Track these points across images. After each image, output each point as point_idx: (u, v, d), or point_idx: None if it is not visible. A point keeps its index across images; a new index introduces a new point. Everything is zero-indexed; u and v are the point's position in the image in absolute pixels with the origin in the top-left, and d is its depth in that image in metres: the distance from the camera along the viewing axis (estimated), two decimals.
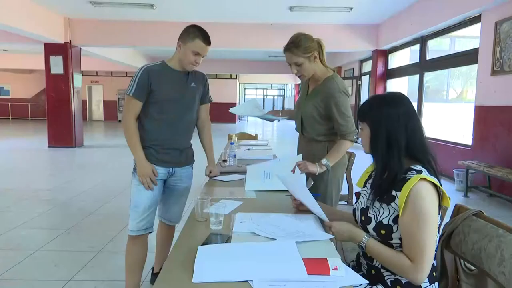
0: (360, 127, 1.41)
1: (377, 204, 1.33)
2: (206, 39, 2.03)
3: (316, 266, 1.13)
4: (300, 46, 1.99)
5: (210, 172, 2.40)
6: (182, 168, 2.24)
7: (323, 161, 2.00)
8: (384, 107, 1.30)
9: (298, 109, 2.24)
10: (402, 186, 1.22)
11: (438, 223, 1.26)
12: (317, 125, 2.12)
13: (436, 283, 1.33)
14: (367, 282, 1.23)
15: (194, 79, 2.18)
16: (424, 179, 1.21)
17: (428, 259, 1.19)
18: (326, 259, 1.17)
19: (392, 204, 1.27)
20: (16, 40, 8.87)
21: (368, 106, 1.36)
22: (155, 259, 2.51)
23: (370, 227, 1.33)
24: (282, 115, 2.52)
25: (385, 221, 1.28)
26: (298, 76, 2.11)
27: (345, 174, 2.35)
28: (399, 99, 1.32)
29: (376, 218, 1.31)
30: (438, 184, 1.22)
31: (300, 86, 2.46)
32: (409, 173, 1.26)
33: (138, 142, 2.06)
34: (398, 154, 1.27)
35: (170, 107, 2.09)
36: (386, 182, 1.29)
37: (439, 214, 1.25)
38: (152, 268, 2.56)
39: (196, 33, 2.00)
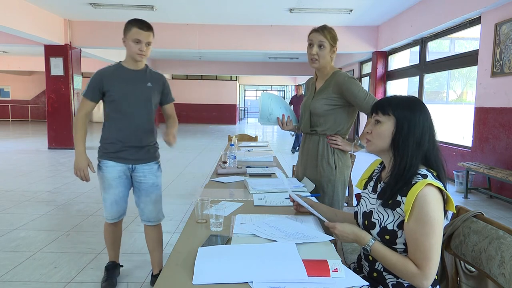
0: (376, 119, 1.33)
1: (381, 209, 1.31)
2: (142, 25, 2.13)
3: (316, 267, 1.12)
4: (331, 32, 2.08)
5: (167, 136, 2.22)
6: (144, 165, 2.32)
7: (358, 142, 2.03)
8: (416, 109, 1.27)
9: (304, 109, 2.23)
10: (408, 191, 1.21)
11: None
12: (328, 116, 2.12)
13: (438, 286, 1.32)
14: (368, 284, 1.22)
15: (150, 79, 2.29)
16: (430, 184, 1.19)
17: (434, 265, 1.18)
18: (326, 260, 1.17)
19: (398, 209, 1.25)
20: (16, 41, 8.88)
21: (399, 102, 1.30)
22: (151, 262, 2.55)
23: (374, 232, 1.32)
24: (297, 131, 2.47)
25: (389, 227, 1.27)
26: (311, 60, 2.11)
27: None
28: (425, 105, 1.31)
29: (381, 223, 1.30)
30: (443, 189, 1.21)
31: (305, 87, 2.44)
32: (414, 177, 1.24)
33: (82, 137, 2.25)
34: (420, 157, 1.26)
35: (125, 105, 2.21)
36: (399, 184, 1.26)
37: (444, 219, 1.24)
38: (152, 271, 2.57)
39: (131, 23, 2.15)
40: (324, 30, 2.07)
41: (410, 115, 1.27)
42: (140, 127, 2.27)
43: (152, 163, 2.36)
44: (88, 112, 2.27)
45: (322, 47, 2.07)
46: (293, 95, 10.04)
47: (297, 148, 9.07)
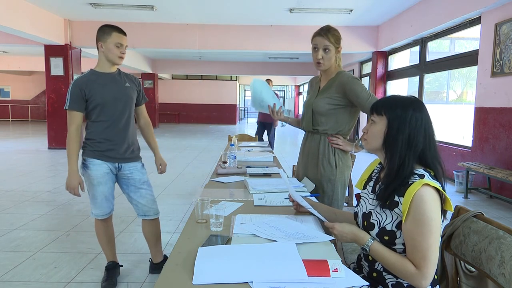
0: (372, 119, 1.36)
1: (379, 209, 1.31)
2: (120, 30, 2.28)
3: (316, 267, 1.12)
4: (335, 34, 2.09)
5: (160, 165, 2.62)
6: (129, 164, 2.40)
7: (358, 142, 2.04)
8: (409, 108, 1.28)
9: (307, 107, 2.24)
10: (405, 191, 1.21)
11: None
12: (330, 116, 2.13)
13: (437, 286, 1.32)
14: (368, 284, 1.22)
15: (127, 79, 2.39)
16: (427, 184, 1.19)
17: (432, 265, 1.18)
18: (326, 260, 1.17)
19: (396, 209, 1.25)
20: (16, 41, 8.88)
21: (392, 102, 1.32)
22: (150, 252, 2.65)
23: (373, 233, 1.32)
24: (290, 122, 2.49)
25: (388, 227, 1.28)
26: (317, 64, 2.13)
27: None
28: (422, 104, 1.31)
29: (379, 224, 1.30)
30: (440, 189, 1.21)
31: (308, 85, 2.45)
32: (411, 177, 1.24)
33: (75, 154, 2.24)
34: (413, 156, 1.26)
35: (110, 108, 2.27)
36: (394, 184, 1.26)
37: (441, 218, 1.24)
38: (151, 259, 2.68)
39: (109, 28, 2.25)
40: (327, 33, 2.07)
41: (401, 114, 1.28)
42: (126, 127, 2.37)
43: (137, 162, 2.47)
44: (79, 125, 2.26)
45: (327, 50, 2.08)
46: None
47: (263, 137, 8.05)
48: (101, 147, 2.29)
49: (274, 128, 7.77)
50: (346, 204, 3.10)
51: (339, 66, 2.19)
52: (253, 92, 2.29)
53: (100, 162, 2.30)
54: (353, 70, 11.91)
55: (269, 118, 7.51)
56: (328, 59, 2.09)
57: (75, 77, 9.02)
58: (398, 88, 8.99)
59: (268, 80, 7.96)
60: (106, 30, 2.24)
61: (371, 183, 1.45)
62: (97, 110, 2.26)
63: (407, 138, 1.26)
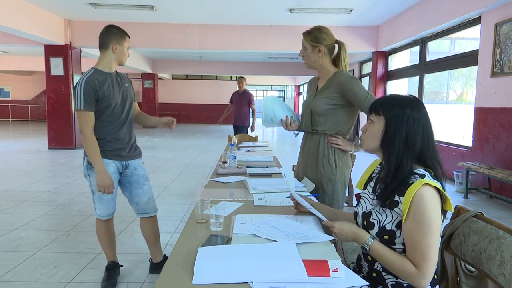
0: (370, 119, 1.36)
1: (379, 209, 1.31)
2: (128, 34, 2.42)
3: (316, 267, 1.12)
4: (311, 33, 2.14)
5: (172, 122, 2.57)
6: (134, 161, 2.46)
7: (358, 142, 2.03)
8: (407, 108, 1.27)
9: (306, 107, 2.24)
10: (405, 191, 1.21)
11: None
12: (329, 116, 2.13)
13: (437, 286, 1.32)
14: (368, 284, 1.22)
15: (123, 79, 2.45)
16: (428, 184, 1.19)
17: (432, 265, 1.18)
18: (326, 260, 1.17)
19: (396, 209, 1.25)
20: (16, 41, 8.88)
21: (390, 101, 1.31)
22: (152, 253, 2.65)
23: (373, 232, 1.32)
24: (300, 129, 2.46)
25: (388, 227, 1.27)
26: (304, 62, 2.24)
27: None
28: (420, 103, 1.30)
29: (379, 223, 1.30)
30: (441, 188, 1.21)
31: (307, 86, 2.45)
32: (412, 177, 1.24)
33: (98, 153, 2.24)
34: (411, 156, 1.26)
35: (119, 109, 2.33)
36: (393, 184, 1.26)
37: (441, 218, 1.24)
38: (151, 259, 2.68)
39: (123, 32, 2.35)
40: (306, 32, 2.15)
41: (399, 114, 1.27)
42: (130, 125, 2.45)
43: (140, 158, 2.53)
44: (93, 125, 2.26)
45: (304, 48, 2.16)
46: (234, 90, 7.46)
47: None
48: (111, 147, 2.32)
49: (248, 130, 7.58)
50: (346, 204, 3.10)
51: (332, 67, 2.18)
52: (265, 110, 2.26)
53: (110, 161, 2.32)
54: (353, 70, 11.91)
55: (240, 121, 7.17)
56: (307, 56, 2.17)
57: (75, 77, 9.06)
58: (398, 88, 9.00)
59: (242, 78, 7.23)
60: (121, 34, 2.32)
61: (372, 183, 1.45)
62: (108, 110, 2.28)
63: (404, 138, 1.26)
